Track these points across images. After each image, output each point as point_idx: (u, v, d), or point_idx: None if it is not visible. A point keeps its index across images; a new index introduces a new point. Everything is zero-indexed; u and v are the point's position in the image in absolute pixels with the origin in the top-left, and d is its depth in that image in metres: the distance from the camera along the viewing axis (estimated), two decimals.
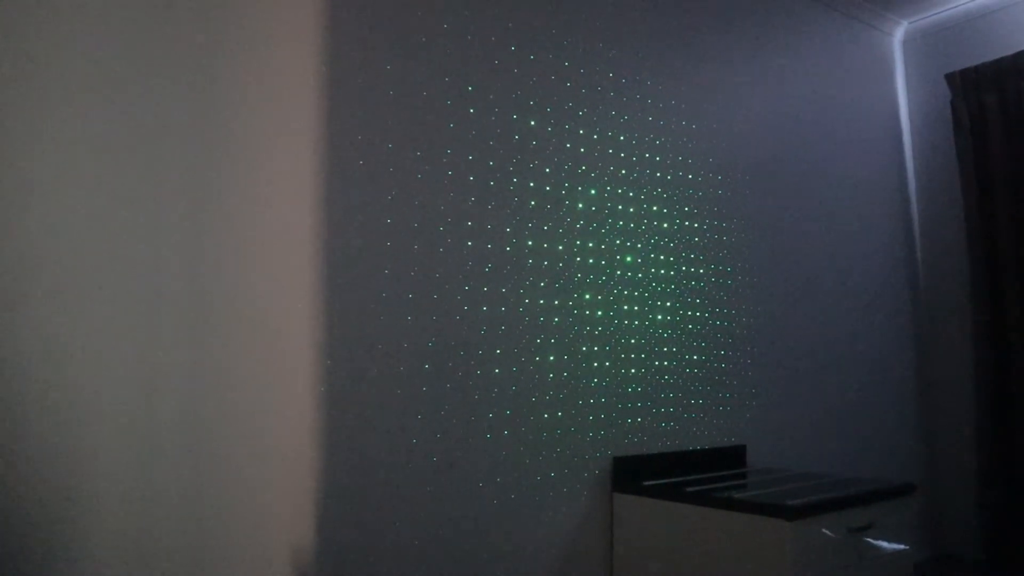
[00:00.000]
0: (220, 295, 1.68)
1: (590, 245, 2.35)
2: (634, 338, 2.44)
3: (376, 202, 1.91)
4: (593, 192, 2.38)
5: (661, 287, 2.55)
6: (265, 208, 1.75)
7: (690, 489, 2.15)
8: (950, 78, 3.49)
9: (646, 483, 2.26)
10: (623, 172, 2.47)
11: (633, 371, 2.43)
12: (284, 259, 1.77)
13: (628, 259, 2.45)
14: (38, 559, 1.42)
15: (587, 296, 2.32)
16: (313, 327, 1.79)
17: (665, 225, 2.59)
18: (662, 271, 2.56)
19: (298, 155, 1.81)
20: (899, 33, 3.81)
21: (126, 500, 1.52)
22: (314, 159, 1.83)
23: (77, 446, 1.47)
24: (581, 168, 2.36)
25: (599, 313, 2.35)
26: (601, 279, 2.37)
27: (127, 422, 1.53)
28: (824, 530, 1.95)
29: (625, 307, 2.43)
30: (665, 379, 2.52)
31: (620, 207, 2.45)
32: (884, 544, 2.14)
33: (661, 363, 2.52)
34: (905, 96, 3.81)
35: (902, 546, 2.20)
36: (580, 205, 2.34)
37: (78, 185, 1.52)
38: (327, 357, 1.80)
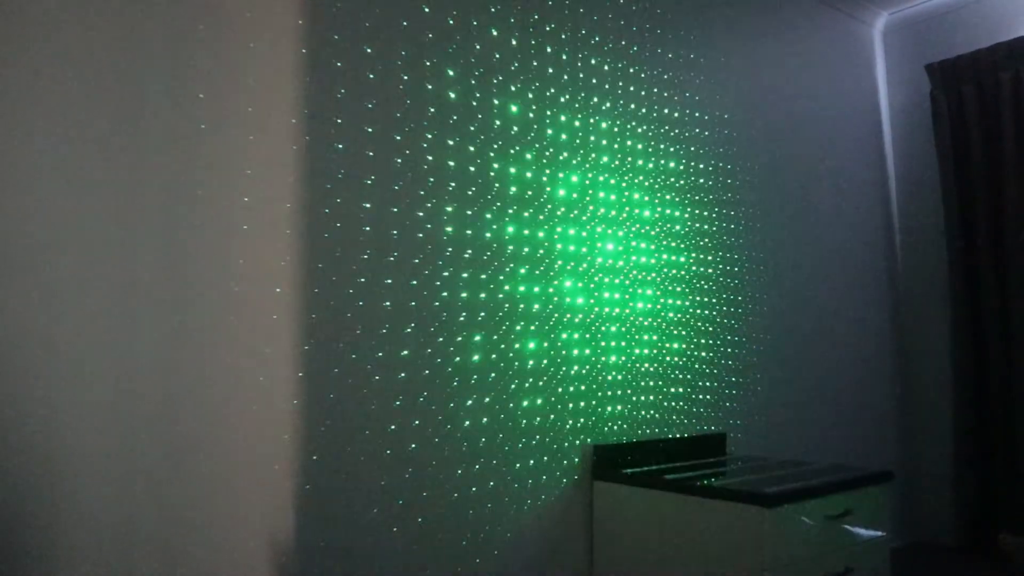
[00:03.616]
0: (198, 282, 1.64)
1: (571, 232, 2.34)
2: (615, 326, 2.43)
3: (355, 187, 1.89)
4: (574, 179, 2.36)
5: (642, 275, 2.54)
6: (243, 194, 1.72)
7: (670, 477, 2.15)
8: (930, 69, 3.52)
9: (626, 471, 2.26)
10: (604, 159, 2.46)
11: (613, 359, 2.42)
12: (262, 245, 1.74)
13: (609, 247, 2.44)
14: (14, 550, 1.39)
15: (567, 283, 2.31)
16: (291, 313, 1.76)
17: (646, 213, 2.58)
18: (643, 259, 2.55)
19: (277, 139, 1.77)
20: (880, 23, 3.82)
21: (104, 489, 1.49)
22: (293, 143, 1.80)
23: (54, 437, 1.44)
24: (562, 155, 2.34)
25: (579, 301, 2.34)
26: (582, 266, 2.36)
27: (104, 411, 1.50)
28: (802, 517, 1.96)
29: (606, 295, 2.42)
30: (645, 367, 2.52)
31: (601, 194, 2.44)
32: (861, 531, 2.15)
33: (642, 351, 2.51)
34: (885, 86, 3.84)
35: (879, 533, 2.22)
36: (561, 192, 2.32)
37: (55, 175, 1.48)
38: (305, 343, 1.77)
